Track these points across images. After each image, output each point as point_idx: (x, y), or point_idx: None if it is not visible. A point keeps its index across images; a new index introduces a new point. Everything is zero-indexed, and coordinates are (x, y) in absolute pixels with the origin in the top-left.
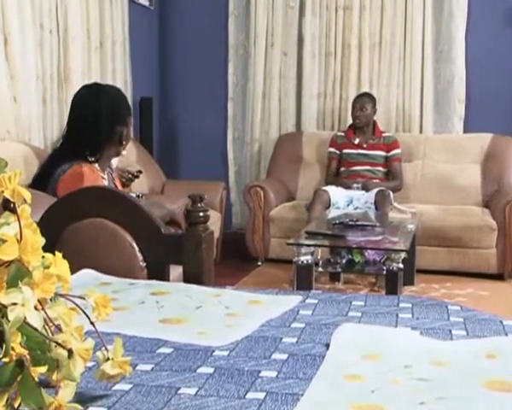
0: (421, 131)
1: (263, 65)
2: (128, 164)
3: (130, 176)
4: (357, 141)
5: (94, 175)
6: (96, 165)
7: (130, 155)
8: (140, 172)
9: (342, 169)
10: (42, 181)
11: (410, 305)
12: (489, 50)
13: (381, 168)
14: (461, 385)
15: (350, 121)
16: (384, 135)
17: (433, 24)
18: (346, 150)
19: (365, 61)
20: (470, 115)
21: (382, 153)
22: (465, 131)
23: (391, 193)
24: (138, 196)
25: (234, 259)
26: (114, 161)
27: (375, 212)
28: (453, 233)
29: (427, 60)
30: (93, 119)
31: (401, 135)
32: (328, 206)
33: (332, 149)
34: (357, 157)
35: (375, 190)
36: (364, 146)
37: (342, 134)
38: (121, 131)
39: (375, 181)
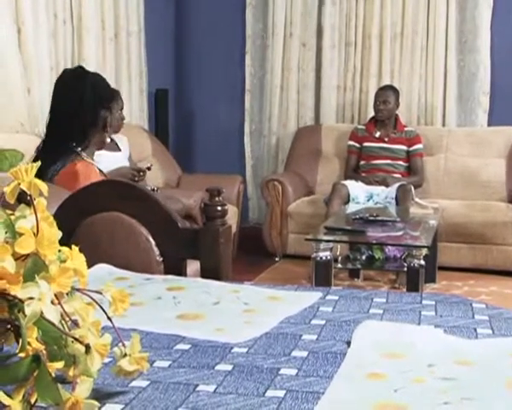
0: (443, 124)
1: (281, 56)
2: (143, 157)
3: (141, 173)
4: (378, 134)
5: (88, 170)
6: (85, 154)
7: (145, 149)
8: (149, 168)
9: (362, 163)
10: None
11: (433, 302)
12: None
13: (401, 163)
14: (486, 385)
15: (370, 114)
16: (406, 129)
17: (457, 13)
18: (366, 144)
19: (386, 52)
20: (495, 108)
21: (404, 147)
22: (489, 124)
23: (412, 188)
24: (153, 190)
25: (250, 254)
26: (123, 161)
27: (396, 207)
28: (476, 229)
29: (451, 50)
30: (78, 101)
31: (423, 128)
32: (346, 200)
33: (352, 143)
34: (378, 151)
35: (396, 185)
36: (386, 140)
37: (363, 127)
38: (105, 116)
39: (395, 176)
